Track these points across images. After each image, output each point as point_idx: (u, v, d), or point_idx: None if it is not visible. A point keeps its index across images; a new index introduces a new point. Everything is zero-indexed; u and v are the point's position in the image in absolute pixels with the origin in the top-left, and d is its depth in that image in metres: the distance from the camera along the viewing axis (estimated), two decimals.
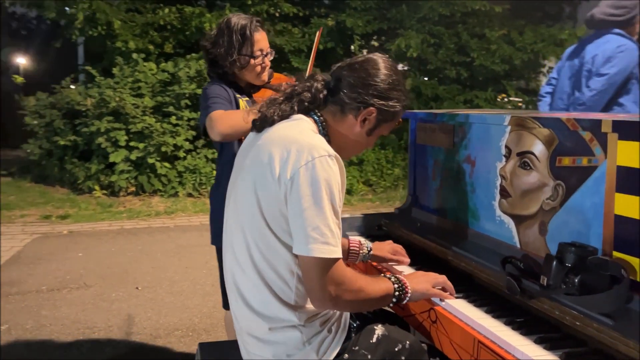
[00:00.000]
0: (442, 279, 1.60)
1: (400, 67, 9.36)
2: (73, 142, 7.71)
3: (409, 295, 1.51)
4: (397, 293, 1.49)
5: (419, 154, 2.33)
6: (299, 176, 1.32)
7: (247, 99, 2.30)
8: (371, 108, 1.48)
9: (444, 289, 1.59)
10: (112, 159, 7.35)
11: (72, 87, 8.48)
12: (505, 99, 9.22)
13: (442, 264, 1.83)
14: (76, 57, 11.16)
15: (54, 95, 8.35)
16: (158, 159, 7.41)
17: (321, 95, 1.51)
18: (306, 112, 1.52)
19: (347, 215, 2.35)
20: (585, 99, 3.13)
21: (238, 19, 2.23)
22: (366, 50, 10.63)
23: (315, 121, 1.51)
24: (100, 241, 5.15)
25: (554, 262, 1.40)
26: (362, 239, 1.93)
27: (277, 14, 9.02)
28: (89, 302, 3.64)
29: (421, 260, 1.93)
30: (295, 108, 1.50)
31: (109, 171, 7.56)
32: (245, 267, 1.44)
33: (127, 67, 7.95)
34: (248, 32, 2.20)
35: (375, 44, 10.21)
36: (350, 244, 1.88)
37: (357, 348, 1.48)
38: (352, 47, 9.43)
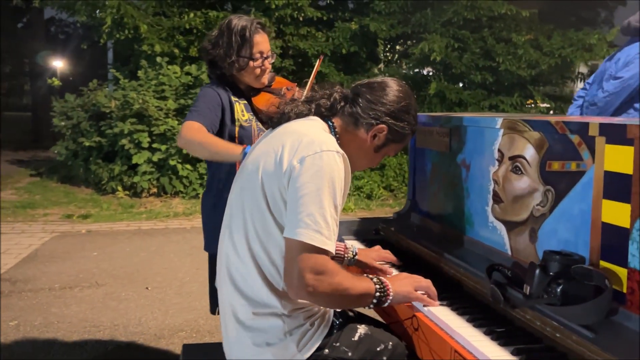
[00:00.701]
0: (426, 283, 1.57)
1: (426, 71, 9.30)
2: (98, 143, 7.85)
3: (391, 297, 1.49)
4: (377, 294, 1.46)
5: (418, 158, 2.28)
6: (304, 164, 1.35)
7: (245, 102, 2.28)
8: (383, 125, 1.55)
9: (428, 294, 1.55)
10: (134, 160, 7.46)
11: (100, 89, 8.65)
12: (532, 105, 9.04)
13: (433, 271, 1.78)
14: (107, 60, 11.41)
15: (82, 97, 8.53)
16: (180, 160, 7.49)
17: (338, 106, 1.59)
18: (322, 117, 1.58)
19: (344, 219, 2.31)
20: (597, 100, 3.16)
21: (239, 21, 2.20)
22: (390, 54, 10.58)
23: (329, 126, 1.57)
24: (117, 241, 5.22)
25: (537, 271, 1.35)
26: (349, 244, 1.90)
27: (301, 18, 9.03)
28: (98, 301, 3.68)
29: (413, 267, 1.88)
30: (313, 111, 1.58)
31: (131, 172, 7.68)
32: (239, 248, 1.45)
33: (152, 70, 8.07)
34: (248, 33, 2.17)
35: (400, 47, 10.15)
36: (336, 248, 1.84)
37: (338, 344, 1.47)
38: (378, 49, 9.39)
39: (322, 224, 1.33)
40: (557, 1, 12.50)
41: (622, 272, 1.28)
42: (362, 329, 1.52)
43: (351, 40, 8.97)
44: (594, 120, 1.34)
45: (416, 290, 1.54)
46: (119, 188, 7.72)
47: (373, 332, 1.53)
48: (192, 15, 8.58)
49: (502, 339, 1.34)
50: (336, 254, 1.84)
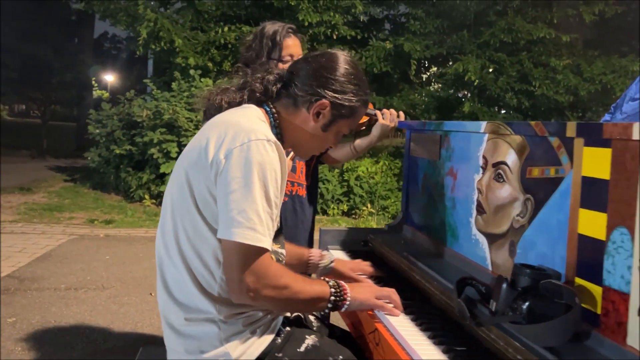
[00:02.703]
0: (388, 292, 1.46)
1: (460, 94, 9.11)
2: (128, 151, 7.99)
3: (348, 302, 1.38)
4: (333, 298, 1.36)
5: (411, 168, 2.17)
6: (231, 157, 1.24)
7: None
8: (324, 101, 1.38)
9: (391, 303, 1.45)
10: (162, 169, 7.54)
11: (136, 99, 8.83)
12: None
13: (409, 284, 1.66)
14: (147, 72, 11.71)
15: (117, 106, 8.73)
16: None
17: (274, 88, 1.45)
18: (258, 103, 1.45)
19: (331, 228, 2.21)
20: (616, 122, 2.97)
21: (272, 26, 2.21)
22: (425, 75, 10.46)
23: (266, 112, 1.43)
24: (132, 246, 5.23)
25: (504, 285, 1.21)
26: (325, 252, 1.79)
27: (335, 36, 9.04)
28: (100, 304, 3.66)
29: (393, 280, 1.76)
30: (245, 98, 1.46)
31: (159, 181, 7.76)
32: (171, 251, 1.34)
33: (185, 82, 8.19)
34: (278, 37, 2.17)
35: (434, 68, 10.02)
36: (310, 255, 1.75)
37: (280, 355, 1.34)
38: (410, 70, 9.30)
39: (255, 220, 1.22)
40: (609, 29, 12.12)
41: (597, 290, 1.13)
42: (310, 340, 1.39)
43: (384, 60, 8.91)
44: (570, 122, 1.21)
45: (378, 299, 1.43)
46: (146, 196, 7.81)
47: (322, 344, 1.40)
48: (226, 29, 8.71)
49: (461, 359, 1.21)
50: (310, 261, 1.76)
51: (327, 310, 1.38)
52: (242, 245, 1.22)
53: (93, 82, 11.57)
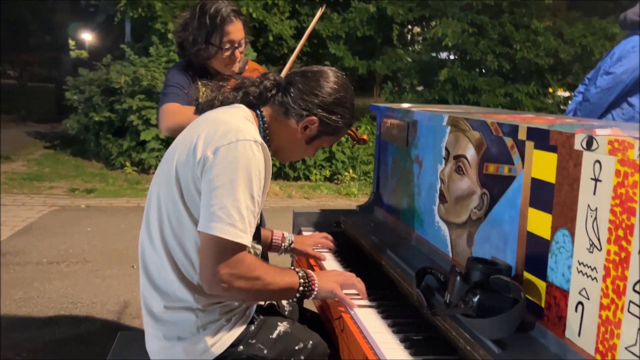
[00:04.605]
0: (353, 280, 1.55)
1: (444, 55, 9.08)
2: (108, 118, 7.90)
3: (315, 292, 1.46)
4: (301, 288, 1.44)
5: (382, 151, 2.22)
6: (218, 154, 1.29)
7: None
8: (313, 117, 1.48)
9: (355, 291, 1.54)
10: (143, 136, 7.49)
11: (113, 65, 8.67)
12: (550, 95, 8.78)
13: (375, 269, 1.73)
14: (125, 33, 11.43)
15: (95, 72, 8.58)
16: None
17: (269, 94, 1.51)
18: (250, 106, 1.51)
19: (304, 211, 2.27)
20: (590, 96, 3.09)
21: (213, 3, 2.12)
22: (408, 35, 10.38)
23: (257, 115, 1.50)
24: (113, 217, 5.26)
25: (458, 278, 1.29)
26: (286, 233, 1.89)
27: None
28: (82, 278, 3.72)
29: (360, 263, 1.84)
30: (239, 98, 1.51)
31: (140, 148, 7.72)
32: (155, 240, 1.41)
33: (163, 47, 8.06)
34: (219, 20, 2.08)
35: (418, 29, 9.96)
36: (273, 237, 1.85)
37: (254, 341, 1.44)
38: (393, 34, 9.22)
39: (235, 216, 1.28)
40: None
41: (541, 285, 1.21)
42: (282, 327, 1.49)
43: (367, 24, 8.82)
44: (523, 123, 1.26)
45: (343, 287, 1.51)
46: (127, 164, 7.78)
47: (293, 330, 1.49)
48: None
49: (416, 348, 1.29)
50: (273, 243, 1.85)
51: (295, 300, 1.46)
52: (220, 239, 1.28)
53: (70, 41, 11.29)
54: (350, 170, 7.78)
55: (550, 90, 8.83)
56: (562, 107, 8.59)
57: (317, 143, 1.55)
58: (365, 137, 2.35)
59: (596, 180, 1.04)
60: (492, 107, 7.94)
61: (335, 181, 7.77)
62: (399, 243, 1.85)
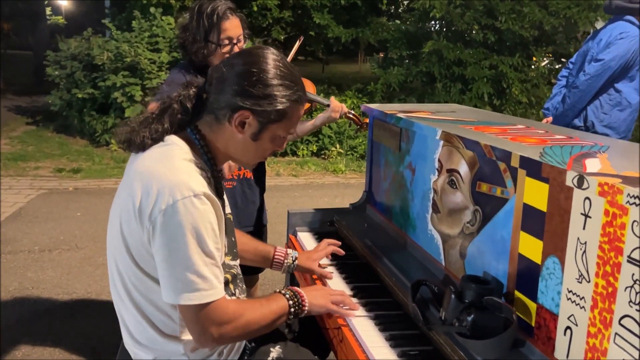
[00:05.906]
0: (340, 295, 1.57)
1: (432, 25, 9.04)
2: (91, 95, 7.79)
3: (307, 309, 1.48)
4: (292, 309, 1.45)
5: (375, 151, 2.26)
6: (159, 222, 1.21)
7: None
8: (243, 111, 1.29)
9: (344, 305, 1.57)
10: (127, 113, 7.40)
11: (94, 38, 8.49)
12: (534, 65, 8.81)
13: (372, 274, 1.79)
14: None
15: (76, 46, 8.39)
16: None
17: (190, 105, 1.35)
18: (182, 127, 1.37)
19: (298, 211, 2.31)
20: (579, 83, 3.16)
21: (210, 3, 2.16)
22: (393, 6, 10.28)
23: (191, 140, 1.35)
24: (102, 200, 5.25)
25: (452, 297, 1.35)
26: (290, 250, 1.85)
27: None
28: (75, 266, 3.75)
29: (354, 266, 1.89)
30: (167, 126, 1.34)
31: None
32: (125, 300, 1.35)
33: (145, 22, 7.91)
34: (216, 18, 2.14)
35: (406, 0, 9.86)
36: (276, 253, 1.81)
37: None
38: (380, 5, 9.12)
39: (197, 281, 1.23)
40: None
41: (532, 306, 1.28)
42: (275, 352, 1.49)
43: None
44: (516, 152, 1.30)
45: (332, 301, 1.53)
46: (113, 141, 7.71)
47: (287, 354, 1.50)
48: None
49: None
50: (275, 260, 1.81)
51: (289, 321, 1.48)
52: (192, 307, 1.25)
53: (47, 9, 10.96)
54: (337, 145, 7.81)
55: (534, 58, 8.87)
56: (545, 77, 8.64)
57: (268, 136, 1.35)
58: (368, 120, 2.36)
59: (586, 215, 1.10)
60: (477, 79, 7.97)
61: (323, 156, 7.80)
62: (393, 247, 1.91)
